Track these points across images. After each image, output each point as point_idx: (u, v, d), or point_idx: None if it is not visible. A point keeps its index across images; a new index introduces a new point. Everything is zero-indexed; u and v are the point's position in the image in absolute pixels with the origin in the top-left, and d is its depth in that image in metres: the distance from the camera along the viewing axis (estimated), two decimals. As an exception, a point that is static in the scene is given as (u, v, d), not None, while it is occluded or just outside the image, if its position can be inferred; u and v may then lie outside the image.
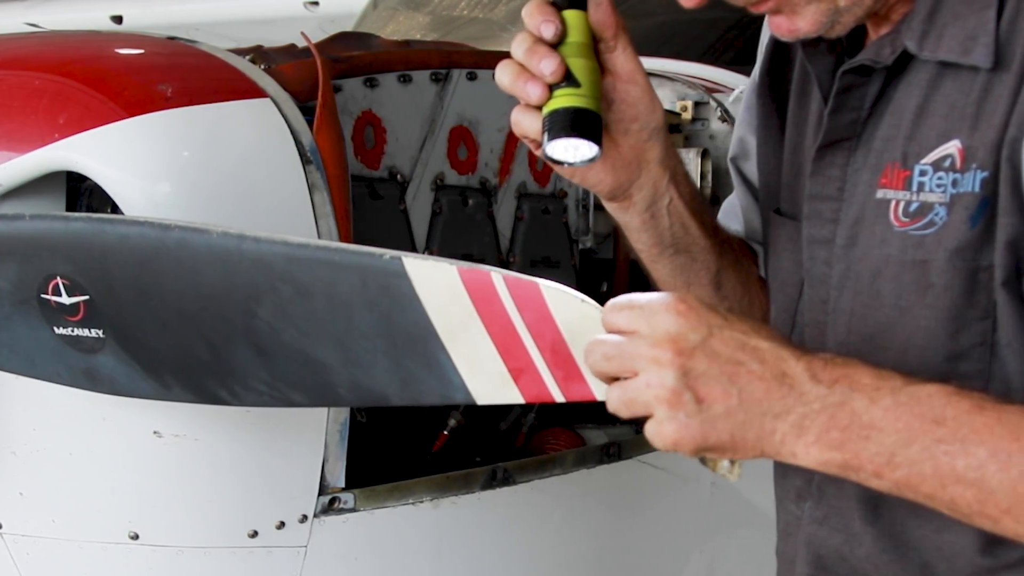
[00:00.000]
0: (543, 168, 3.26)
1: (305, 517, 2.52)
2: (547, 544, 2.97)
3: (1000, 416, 1.47)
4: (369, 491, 2.61)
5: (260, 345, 1.90)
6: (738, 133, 2.05)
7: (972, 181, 1.58)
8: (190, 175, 2.38)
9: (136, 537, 2.42)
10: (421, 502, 2.69)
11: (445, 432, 3.04)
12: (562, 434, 3.18)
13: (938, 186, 1.61)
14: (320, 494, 2.53)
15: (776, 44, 1.91)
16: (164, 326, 2.02)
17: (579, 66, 1.67)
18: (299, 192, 2.46)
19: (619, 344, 1.53)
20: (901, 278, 1.66)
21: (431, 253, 3.06)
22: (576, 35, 1.69)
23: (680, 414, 1.50)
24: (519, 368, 1.66)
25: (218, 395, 2.02)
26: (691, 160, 3.35)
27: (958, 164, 1.60)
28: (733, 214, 2.10)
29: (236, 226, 1.92)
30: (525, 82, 1.69)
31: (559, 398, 1.66)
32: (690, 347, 1.50)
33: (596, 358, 1.55)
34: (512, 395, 1.69)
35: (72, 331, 2.09)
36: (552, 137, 1.67)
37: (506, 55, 1.72)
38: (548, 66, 1.67)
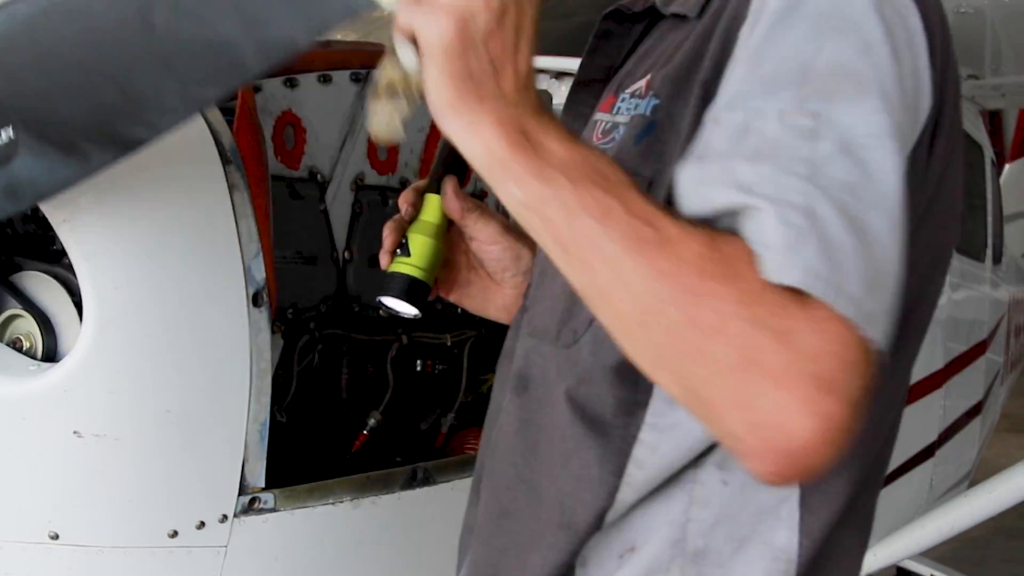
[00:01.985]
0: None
1: (225, 517, 2.52)
2: (467, 543, 2.98)
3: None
4: (289, 491, 2.61)
5: (164, 56, 1.91)
6: None
7: (646, 106, 1.66)
8: (108, 174, 2.37)
9: (56, 537, 2.40)
10: (341, 502, 2.70)
11: (365, 432, 3.05)
12: (481, 434, 3.19)
13: (627, 110, 1.70)
14: (240, 494, 2.52)
15: None
16: (68, 86, 2.00)
17: (417, 241, 1.95)
18: (219, 192, 2.45)
19: None
20: None
21: (351, 253, 3.07)
22: (428, 215, 1.97)
23: None
24: None
25: (136, 136, 1.99)
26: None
27: (643, 92, 1.69)
28: None
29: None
30: (381, 251, 1.97)
31: None
32: None
33: None
34: None
35: None
36: (381, 293, 1.95)
37: None
38: (386, 238, 1.96)
